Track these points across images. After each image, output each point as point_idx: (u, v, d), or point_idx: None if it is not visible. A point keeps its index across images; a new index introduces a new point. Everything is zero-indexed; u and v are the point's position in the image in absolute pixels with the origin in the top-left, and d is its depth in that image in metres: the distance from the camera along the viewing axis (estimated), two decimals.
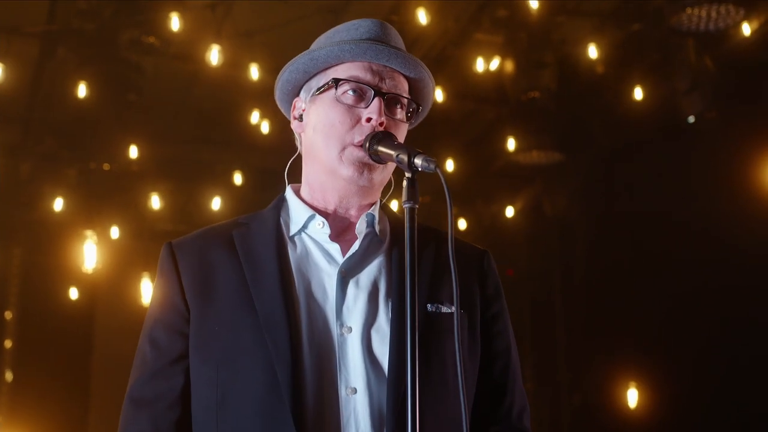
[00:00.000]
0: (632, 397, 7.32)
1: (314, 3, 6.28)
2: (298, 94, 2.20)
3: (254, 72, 6.17)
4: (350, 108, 2.05)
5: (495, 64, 6.36)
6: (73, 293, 7.57)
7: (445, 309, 2.04)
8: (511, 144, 6.75)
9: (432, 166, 1.82)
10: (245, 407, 1.91)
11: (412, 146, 1.92)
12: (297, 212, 2.14)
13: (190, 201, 7.23)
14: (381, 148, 1.97)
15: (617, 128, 7.00)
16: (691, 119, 6.29)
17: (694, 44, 6.19)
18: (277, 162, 7.54)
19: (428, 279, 2.05)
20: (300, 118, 2.18)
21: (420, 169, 1.85)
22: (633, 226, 7.34)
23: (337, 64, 2.11)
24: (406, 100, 2.12)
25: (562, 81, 6.45)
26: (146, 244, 6.83)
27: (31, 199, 7.45)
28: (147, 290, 6.44)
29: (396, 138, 2.04)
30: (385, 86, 2.07)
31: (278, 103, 2.26)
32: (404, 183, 1.87)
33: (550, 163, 7.17)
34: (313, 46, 2.19)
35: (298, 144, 2.24)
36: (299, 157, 2.24)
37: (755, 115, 6.23)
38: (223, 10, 6.06)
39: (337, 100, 2.07)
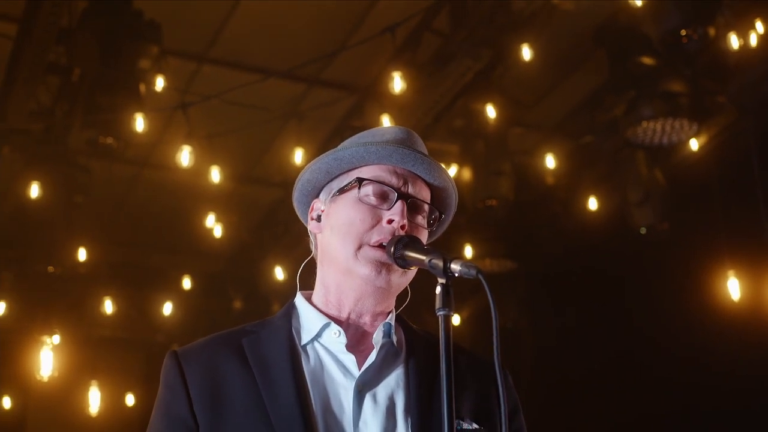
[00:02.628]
0: None
1: (270, 108, 6.30)
2: (317, 195, 2.13)
3: (214, 174, 6.10)
4: (372, 208, 2.00)
5: (452, 171, 6.41)
6: (6, 402, 7.24)
7: (466, 425, 1.95)
8: (468, 251, 6.76)
9: (473, 271, 1.75)
10: None
11: (444, 251, 1.86)
12: (309, 320, 2.05)
13: (139, 306, 7.04)
14: (410, 253, 1.90)
15: (569, 235, 7.07)
16: (643, 230, 6.38)
17: (644, 157, 6.33)
18: (227, 267, 7.43)
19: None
20: (318, 219, 2.11)
21: (458, 275, 1.77)
22: (582, 336, 7.36)
23: (361, 166, 2.06)
24: (427, 207, 2.07)
25: (517, 190, 6.53)
26: (93, 350, 6.59)
27: None
28: (95, 399, 6.16)
29: (423, 243, 1.97)
30: (409, 190, 2.02)
31: (296, 204, 2.18)
32: (438, 289, 1.79)
33: (501, 272, 7.18)
34: (338, 147, 2.14)
35: (312, 247, 2.15)
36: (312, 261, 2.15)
37: (706, 227, 6.36)
38: (179, 114, 6.02)
39: (360, 200, 2.01)
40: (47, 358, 5.72)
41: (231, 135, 6.33)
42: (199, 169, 6.23)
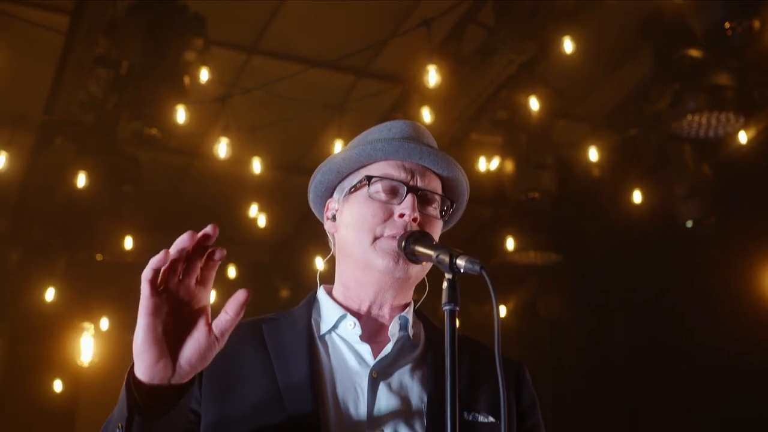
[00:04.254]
0: None
1: (316, 99, 6.33)
2: (331, 195, 2.18)
3: (256, 165, 6.18)
4: (383, 204, 2.03)
5: (495, 164, 6.40)
6: (58, 386, 7.41)
7: (481, 418, 1.97)
8: (510, 243, 6.74)
9: (477, 267, 1.76)
10: None
11: (452, 246, 1.88)
12: (328, 312, 2.09)
13: None
14: (418, 248, 1.92)
15: (614, 231, 7.02)
16: (689, 224, 6.31)
17: (691, 150, 6.26)
18: (271, 257, 7.54)
19: (465, 386, 1.99)
20: (333, 218, 2.15)
21: (463, 271, 1.79)
22: (628, 330, 7.31)
23: (370, 163, 2.09)
24: (439, 198, 2.09)
25: (561, 182, 6.49)
26: None
27: (19, 289, 7.34)
28: None
29: (433, 238, 2.00)
30: (418, 183, 2.05)
31: (312, 205, 2.23)
32: (444, 285, 1.81)
33: (545, 264, 7.15)
34: (347, 147, 2.17)
35: (331, 245, 2.20)
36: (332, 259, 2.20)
37: (753, 222, 6.27)
38: (227, 105, 6.10)
39: (370, 196, 2.04)
40: (88, 345, 5.86)
41: (278, 127, 6.40)
42: (245, 160, 6.31)
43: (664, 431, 6.96)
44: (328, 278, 2.22)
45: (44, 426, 7.67)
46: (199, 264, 1.63)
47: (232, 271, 7.17)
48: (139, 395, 1.62)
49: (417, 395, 1.98)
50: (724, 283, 6.38)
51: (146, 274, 1.57)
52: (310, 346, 2.02)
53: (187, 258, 1.61)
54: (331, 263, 2.21)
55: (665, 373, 6.95)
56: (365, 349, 2.01)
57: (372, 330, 2.07)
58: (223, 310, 1.63)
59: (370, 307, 2.07)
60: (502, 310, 7.90)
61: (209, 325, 1.64)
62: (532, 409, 2.13)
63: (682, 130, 5.78)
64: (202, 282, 1.65)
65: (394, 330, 2.04)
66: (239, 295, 1.63)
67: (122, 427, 1.65)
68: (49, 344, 7.11)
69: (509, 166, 6.38)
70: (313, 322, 2.09)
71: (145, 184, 6.69)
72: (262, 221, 6.61)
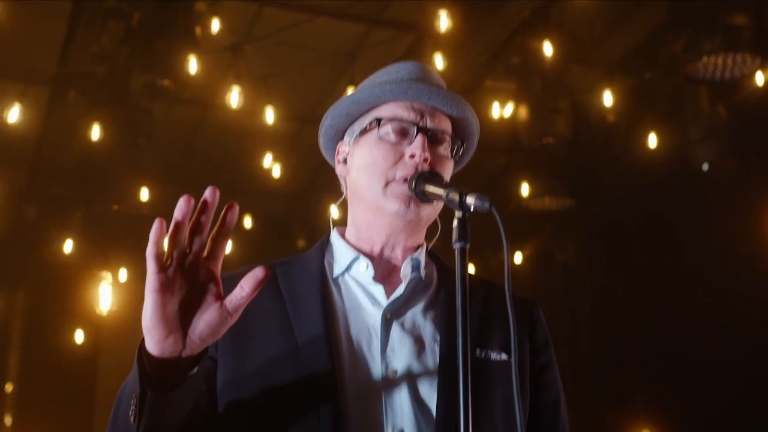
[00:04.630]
0: None
1: (328, 48, 6.30)
2: (341, 138, 2.18)
3: (269, 115, 6.17)
4: (393, 145, 2.03)
5: (509, 110, 6.36)
6: (79, 336, 7.50)
7: (494, 355, 1.99)
8: (525, 189, 6.73)
9: (486, 204, 1.77)
10: None
11: (461, 185, 1.88)
12: (341, 254, 2.11)
13: None
14: (429, 188, 1.94)
15: (629, 175, 6.98)
16: (705, 167, 6.27)
17: (707, 92, 6.20)
18: (287, 207, 7.55)
19: (477, 324, 2.00)
20: (344, 162, 2.16)
21: (473, 209, 1.79)
22: (643, 274, 7.30)
23: (379, 105, 2.09)
24: (449, 138, 2.09)
25: (575, 128, 6.46)
26: None
27: (37, 242, 7.40)
28: None
29: (443, 177, 2.00)
30: (428, 124, 2.05)
31: (323, 150, 2.24)
32: (454, 223, 1.82)
33: (561, 210, 7.14)
34: (356, 90, 2.17)
35: (343, 189, 2.22)
36: (344, 201, 2.22)
37: None
38: (238, 55, 6.07)
39: (380, 138, 2.05)
40: (106, 294, 5.92)
41: (291, 77, 6.37)
42: (258, 112, 6.30)
43: (680, 377, 6.98)
44: (342, 224, 2.24)
45: (67, 376, 7.77)
46: (207, 233, 1.60)
47: (247, 222, 7.21)
48: (150, 367, 1.63)
49: (430, 335, 2.00)
50: (740, 225, 6.35)
51: (149, 250, 1.54)
52: (324, 289, 2.04)
53: (193, 228, 1.59)
54: (344, 207, 2.23)
55: (681, 320, 6.96)
56: (378, 290, 2.03)
57: (385, 271, 2.08)
58: (239, 285, 1.61)
59: (382, 249, 2.09)
60: (517, 257, 7.91)
61: (221, 300, 1.63)
62: (545, 347, 2.15)
63: (698, 72, 5.72)
64: (212, 253, 1.63)
65: (406, 271, 2.06)
66: (257, 272, 1.61)
67: (136, 398, 1.66)
68: (69, 296, 7.18)
69: (523, 112, 6.35)
70: (326, 264, 2.11)
71: (159, 136, 6.70)
72: (276, 171, 6.62)
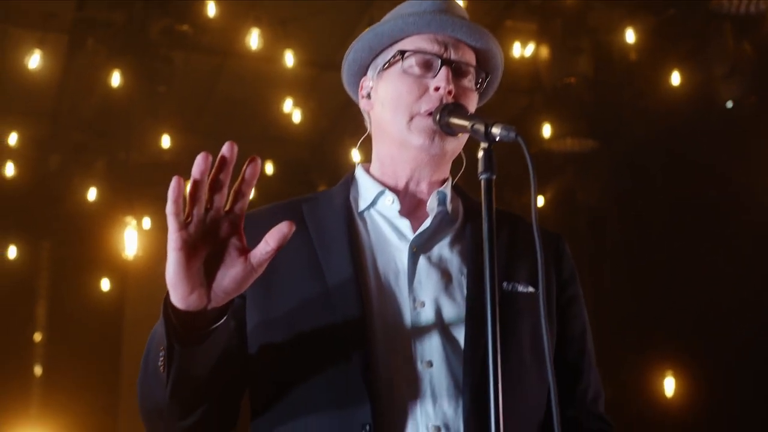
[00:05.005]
0: (669, 386, 7.25)
1: None
2: (365, 73, 2.16)
3: (289, 59, 6.13)
4: (417, 78, 2.02)
5: (530, 50, 6.29)
6: (105, 284, 7.57)
7: (521, 288, 1.99)
8: (546, 130, 6.67)
9: (512, 134, 1.76)
10: (314, 378, 1.87)
11: (487, 115, 1.87)
12: (366, 189, 2.11)
13: None
14: (453, 120, 1.92)
15: (652, 114, 6.90)
16: (730, 104, 6.19)
17: (731, 28, 6.10)
18: (308, 153, 7.51)
19: (504, 257, 2.00)
20: (368, 97, 2.15)
21: (498, 139, 1.78)
22: (666, 214, 7.25)
23: (402, 38, 2.07)
24: (473, 70, 2.07)
25: (597, 67, 6.38)
26: None
27: (60, 192, 7.44)
28: None
29: (468, 109, 1.99)
30: (452, 56, 2.03)
31: (346, 85, 2.23)
32: (480, 154, 1.81)
33: (583, 151, 7.08)
34: (378, 23, 2.15)
35: (367, 124, 2.20)
36: (368, 137, 2.21)
37: None
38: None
39: (404, 72, 2.03)
40: (132, 238, 5.94)
41: (310, 21, 6.31)
42: (278, 58, 6.26)
43: (704, 320, 6.95)
44: (366, 162, 2.22)
45: (94, 325, 7.85)
46: (227, 188, 1.58)
47: (269, 168, 7.20)
48: (176, 320, 1.64)
49: (456, 268, 2.00)
50: (765, 163, 6.28)
51: (169, 208, 1.53)
52: (350, 223, 2.04)
53: (213, 184, 1.57)
54: (367, 144, 2.22)
55: (705, 261, 6.92)
56: (404, 224, 2.03)
57: (410, 205, 2.08)
58: (264, 239, 1.60)
59: (407, 184, 2.09)
60: (540, 200, 7.87)
61: (245, 254, 1.62)
62: (572, 280, 2.15)
63: (722, 6, 5.63)
64: (234, 207, 1.61)
65: (432, 205, 2.05)
66: (283, 227, 1.60)
67: (164, 350, 1.68)
68: (94, 244, 7.23)
69: (544, 52, 6.27)
70: (351, 199, 2.11)
71: (179, 84, 6.68)
72: (297, 116, 6.60)
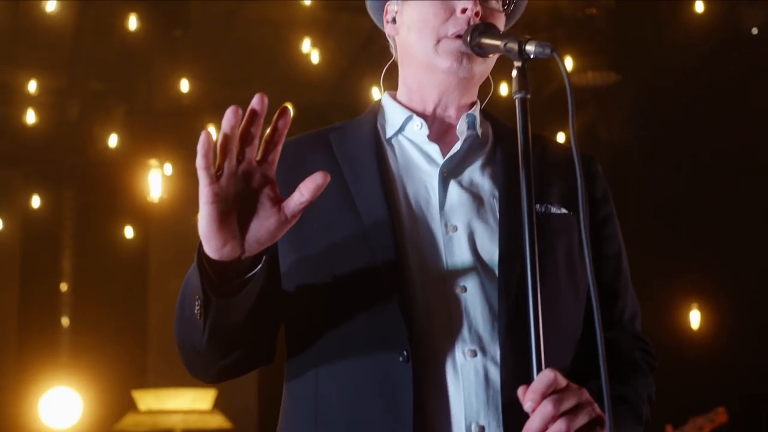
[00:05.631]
0: (695, 318, 7.26)
1: None
2: None
3: None
4: (444, 1, 1.97)
5: None
6: (129, 232, 7.60)
7: (554, 209, 1.97)
8: (568, 64, 6.58)
9: (548, 50, 1.73)
10: (350, 310, 1.86)
11: (519, 34, 1.83)
12: (394, 115, 2.08)
13: None
14: (485, 40, 1.88)
15: (675, 45, 6.79)
16: (755, 31, 6.08)
17: None
18: (328, 96, 7.44)
19: (536, 178, 1.96)
20: (393, 21, 2.10)
21: (533, 56, 1.75)
22: (691, 147, 7.18)
23: None
24: None
25: None
26: None
27: (81, 141, 7.44)
28: None
29: (499, 29, 1.96)
30: None
31: (370, 11, 2.19)
32: (513, 73, 1.78)
33: (605, 85, 6.99)
34: None
35: (392, 50, 2.17)
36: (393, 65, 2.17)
37: None
38: None
39: None
40: (156, 181, 5.94)
41: None
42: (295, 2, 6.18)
43: (729, 254, 6.92)
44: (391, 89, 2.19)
45: (119, 273, 7.92)
46: (258, 140, 1.56)
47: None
48: (211, 269, 1.64)
49: (488, 191, 1.98)
50: None
51: (199, 162, 1.51)
52: (378, 151, 2.02)
53: (243, 137, 1.55)
54: (390, 71, 2.18)
55: (730, 195, 6.87)
56: (434, 149, 2.01)
57: (439, 130, 2.05)
58: (298, 190, 1.58)
59: (435, 109, 2.05)
60: (560, 137, 7.79)
61: (279, 204, 1.60)
62: (605, 200, 2.13)
63: None
64: (265, 157, 1.59)
65: (461, 128, 2.02)
66: (317, 177, 1.58)
67: (199, 299, 1.68)
68: (117, 191, 7.25)
69: None
70: (379, 126, 2.09)
71: (196, 28, 6.63)
72: (315, 57, 6.54)
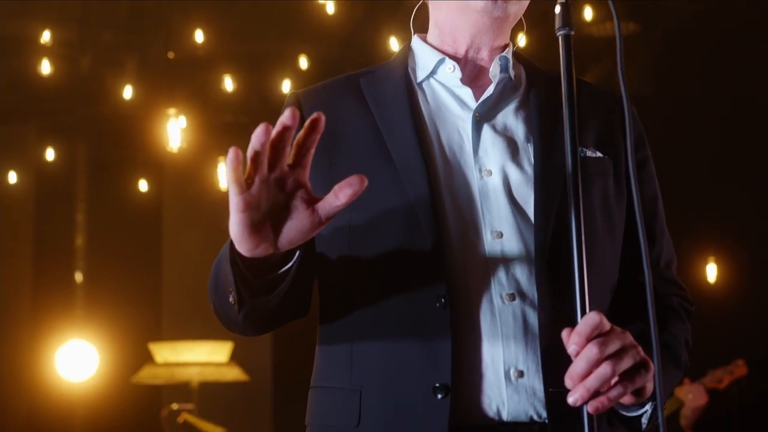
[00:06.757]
0: (711, 271, 7.24)
1: None
2: None
3: None
4: None
5: None
6: (143, 185, 7.58)
7: (590, 153, 1.93)
8: (588, 13, 6.48)
9: None
10: (387, 257, 1.83)
11: None
12: (425, 58, 2.03)
13: (258, 91, 7.09)
14: None
15: None
16: None
17: None
18: (344, 46, 7.34)
19: None
20: None
21: None
22: (711, 99, 7.12)
23: None
24: None
25: None
26: (218, 134, 6.77)
27: (93, 94, 7.40)
28: (224, 175, 6.39)
29: None
30: None
31: None
32: (557, 9, 1.74)
33: (624, 34, 6.87)
34: None
35: None
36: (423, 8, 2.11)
37: None
38: None
39: None
40: (174, 130, 5.89)
41: None
42: None
43: (749, 207, 6.88)
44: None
45: (133, 225, 7.91)
46: (289, 148, 1.51)
47: (303, 62, 7.09)
48: (243, 265, 1.64)
49: (522, 134, 1.94)
50: None
51: (229, 177, 1.47)
52: (410, 95, 1.98)
53: (274, 148, 1.49)
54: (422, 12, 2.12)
55: (753, 145, 6.82)
56: (466, 93, 1.97)
57: (472, 74, 2.01)
58: (333, 193, 1.52)
59: (467, 51, 2.00)
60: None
61: (312, 206, 1.55)
62: (641, 143, 2.09)
63: None
64: (297, 162, 1.54)
65: (495, 71, 1.98)
66: (354, 182, 1.51)
67: (232, 292, 1.69)
68: (131, 144, 7.23)
69: None
70: (409, 70, 2.04)
71: None
72: (330, 8, 6.47)
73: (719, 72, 7.00)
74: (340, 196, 1.52)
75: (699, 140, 7.30)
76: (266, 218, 1.55)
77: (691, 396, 5.23)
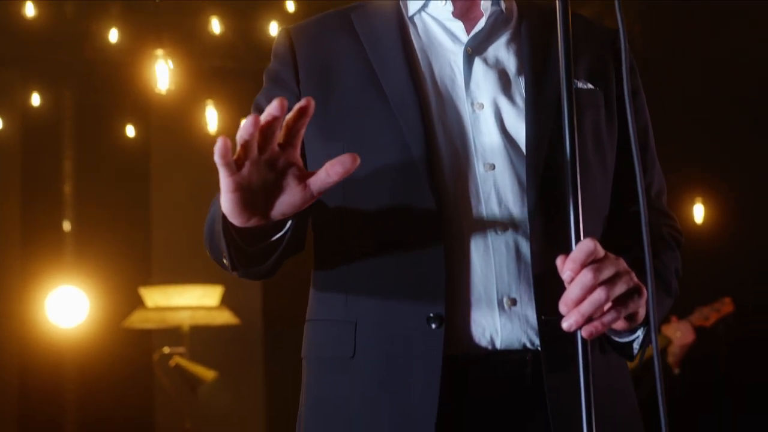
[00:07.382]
0: (698, 212, 7.28)
1: None
2: None
3: None
4: None
5: None
6: (130, 130, 7.54)
7: (581, 84, 1.94)
8: None
9: None
10: (378, 186, 1.86)
11: None
12: None
13: (245, 36, 7.01)
14: None
15: None
16: None
17: None
18: None
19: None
20: None
21: None
22: (699, 36, 7.08)
23: None
24: None
25: None
26: (206, 79, 6.71)
27: (77, 39, 7.30)
28: (212, 118, 6.35)
29: None
30: None
31: None
32: None
33: None
34: None
35: None
36: None
37: None
38: None
39: None
40: (163, 71, 5.83)
41: None
42: None
43: (737, 149, 6.88)
44: None
45: (120, 170, 7.85)
46: (278, 133, 1.50)
47: (290, 5, 7.01)
48: (236, 233, 1.68)
49: (514, 68, 1.95)
50: None
51: (218, 161, 1.46)
52: (401, 29, 1.98)
53: (263, 134, 1.48)
54: None
55: (738, 84, 6.80)
56: (458, 26, 1.97)
57: (463, 6, 2.00)
58: (325, 170, 1.52)
59: None
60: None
61: (304, 181, 1.55)
62: (633, 74, 2.08)
63: None
64: (288, 142, 1.53)
65: (486, 4, 1.98)
66: (346, 160, 1.51)
67: (226, 258, 1.73)
68: (117, 88, 7.15)
69: None
70: (401, 4, 2.03)
71: None
72: None
73: (710, 14, 6.97)
74: (331, 173, 1.52)
75: (686, 80, 7.28)
76: (258, 196, 1.55)
77: (679, 333, 5.28)
